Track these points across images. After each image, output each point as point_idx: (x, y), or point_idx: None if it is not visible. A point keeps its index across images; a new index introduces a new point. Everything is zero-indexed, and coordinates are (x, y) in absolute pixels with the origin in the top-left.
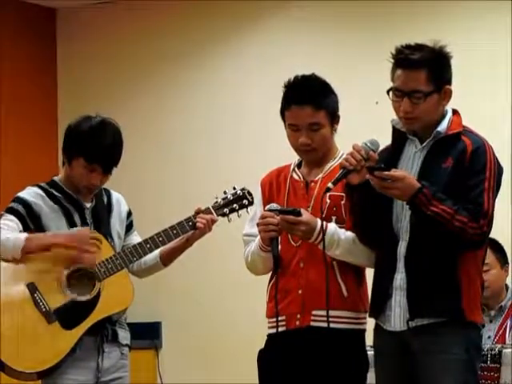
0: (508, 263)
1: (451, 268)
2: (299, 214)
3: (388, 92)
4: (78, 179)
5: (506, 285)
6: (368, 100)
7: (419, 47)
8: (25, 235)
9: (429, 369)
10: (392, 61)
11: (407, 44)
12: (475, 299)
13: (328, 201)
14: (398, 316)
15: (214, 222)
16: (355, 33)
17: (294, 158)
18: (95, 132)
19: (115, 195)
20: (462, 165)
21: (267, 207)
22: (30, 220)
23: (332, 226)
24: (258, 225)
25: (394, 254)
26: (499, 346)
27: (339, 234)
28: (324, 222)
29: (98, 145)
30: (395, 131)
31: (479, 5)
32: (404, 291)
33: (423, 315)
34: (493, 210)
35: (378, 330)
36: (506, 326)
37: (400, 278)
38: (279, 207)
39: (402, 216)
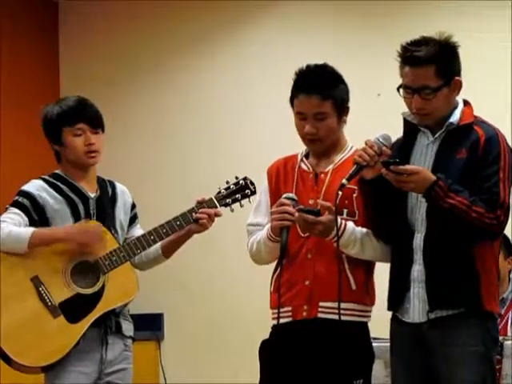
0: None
1: (468, 259)
2: (318, 214)
3: (398, 89)
4: (76, 150)
5: (510, 277)
6: (370, 93)
7: (425, 42)
8: (31, 230)
9: (446, 361)
10: (399, 59)
11: (412, 40)
12: (493, 289)
13: (340, 193)
14: (417, 308)
15: (217, 215)
16: (355, 27)
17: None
18: (63, 101)
19: (120, 187)
20: (475, 155)
21: (284, 195)
22: (35, 213)
23: (350, 226)
24: (272, 213)
25: (409, 246)
26: (501, 338)
27: (356, 234)
28: (343, 221)
29: (72, 105)
30: (406, 123)
31: (480, 3)
32: (422, 283)
33: (443, 307)
34: (509, 199)
35: (395, 321)
36: (507, 318)
37: (417, 270)
38: (295, 197)
39: (417, 208)
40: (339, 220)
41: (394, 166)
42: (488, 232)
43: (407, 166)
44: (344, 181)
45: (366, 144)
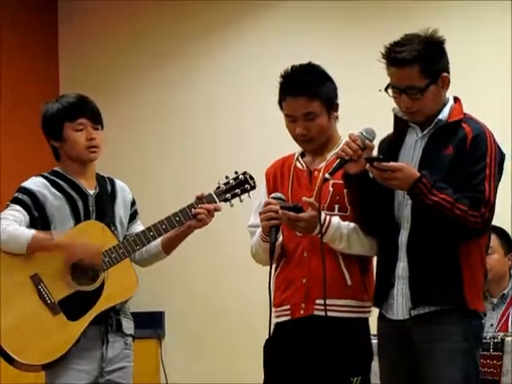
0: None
1: (453, 256)
2: (300, 211)
3: (386, 89)
4: (77, 144)
5: (510, 273)
6: (370, 90)
7: (408, 41)
8: (32, 233)
9: (429, 357)
10: (383, 60)
11: (395, 41)
12: (477, 288)
13: (331, 189)
14: (400, 305)
15: (217, 210)
16: (355, 27)
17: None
18: (63, 98)
19: (119, 183)
20: (462, 152)
21: (271, 195)
22: (36, 209)
23: (335, 221)
24: (260, 214)
25: (395, 242)
26: (501, 334)
27: (342, 229)
28: (328, 217)
29: (72, 101)
30: (397, 119)
31: (480, 3)
32: (406, 280)
33: (425, 303)
34: (494, 197)
35: (381, 318)
36: (508, 315)
37: (402, 267)
38: (283, 196)
39: (403, 205)
40: (323, 215)
41: (377, 163)
42: (472, 229)
43: (391, 163)
44: (327, 175)
45: (350, 138)
